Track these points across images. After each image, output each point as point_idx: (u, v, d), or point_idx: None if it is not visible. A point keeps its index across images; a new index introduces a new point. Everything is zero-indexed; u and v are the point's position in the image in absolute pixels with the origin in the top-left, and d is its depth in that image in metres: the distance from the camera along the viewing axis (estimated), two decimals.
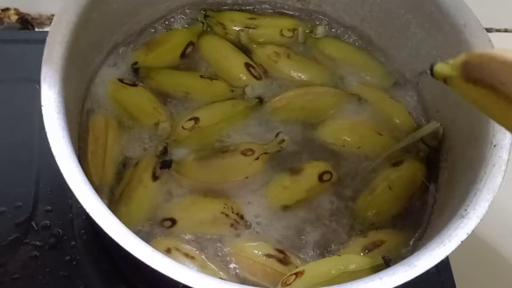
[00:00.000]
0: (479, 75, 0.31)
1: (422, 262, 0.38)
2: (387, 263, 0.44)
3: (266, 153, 0.52)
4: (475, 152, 0.46)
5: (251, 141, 0.53)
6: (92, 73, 0.53)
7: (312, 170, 0.52)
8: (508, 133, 0.44)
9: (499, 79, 0.30)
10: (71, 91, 0.45)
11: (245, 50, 0.58)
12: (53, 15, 0.73)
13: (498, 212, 0.45)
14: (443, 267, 0.56)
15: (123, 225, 0.37)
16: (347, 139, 0.54)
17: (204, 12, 0.60)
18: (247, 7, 0.62)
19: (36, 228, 0.54)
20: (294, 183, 0.51)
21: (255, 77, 0.56)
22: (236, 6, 0.61)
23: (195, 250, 0.47)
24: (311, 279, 0.44)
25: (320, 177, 0.51)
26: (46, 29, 0.74)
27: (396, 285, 0.37)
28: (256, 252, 0.47)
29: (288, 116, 0.55)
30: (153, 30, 0.59)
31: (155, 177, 0.49)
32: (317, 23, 0.61)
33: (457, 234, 0.39)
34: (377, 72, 0.59)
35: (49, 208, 0.55)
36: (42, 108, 0.40)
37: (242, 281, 0.46)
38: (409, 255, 0.40)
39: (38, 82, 0.41)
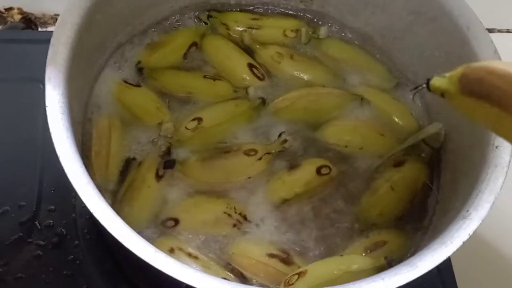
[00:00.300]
0: (478, 89, 0.31)
1: (424, 262, 0.38)
2: (389, 263, 0.44)
3: (269, 153, 0.52)
4: (477, 154, 0.46)
5: (254, 142, 0.53)
6: (96, 74, 0.54)
7: (309, 164, 0.52)
8: None
9: (500, 93, 0.30)
10: (75, 91, 0.45)
11: (248, 50, 0.58)
12: (56, 15, 0.74)
13: (500, 213, 0.45)
14: (445, 267, 0.56)
15: (126, 225, 0.37)
16: (349, 139, 0.54)
17: (207, 13, 0.60)
18: (251, 8, 0.62)
19: (39, 227, 0.54)
20: (292, 176, 0.51)
21: (258, 77, 0.56)
22: (239, 6, 0.61)
23: (198, 250, 0.47)
24: (313, 279, 0.44)
25: (318, 171, 0.51)
26: (49, 28, 0.74)
27: (398, 285, 0.37)
28: (259, 252, 0.47)
29: (291, 116, 0.55)
30: (156, 31, 0.59)
31: (158, 177, 0.50)
32: (320, 24, 0.61)
33: (459, 235, 0.39)
34: (380, 73, 0.59)
35: (53, 207, 0.55)
36: (47, 108, 0.40)
37: (245, 281, 0.46)
38: (411, 256, 0.40)
39: (41, 81, 0.41)
